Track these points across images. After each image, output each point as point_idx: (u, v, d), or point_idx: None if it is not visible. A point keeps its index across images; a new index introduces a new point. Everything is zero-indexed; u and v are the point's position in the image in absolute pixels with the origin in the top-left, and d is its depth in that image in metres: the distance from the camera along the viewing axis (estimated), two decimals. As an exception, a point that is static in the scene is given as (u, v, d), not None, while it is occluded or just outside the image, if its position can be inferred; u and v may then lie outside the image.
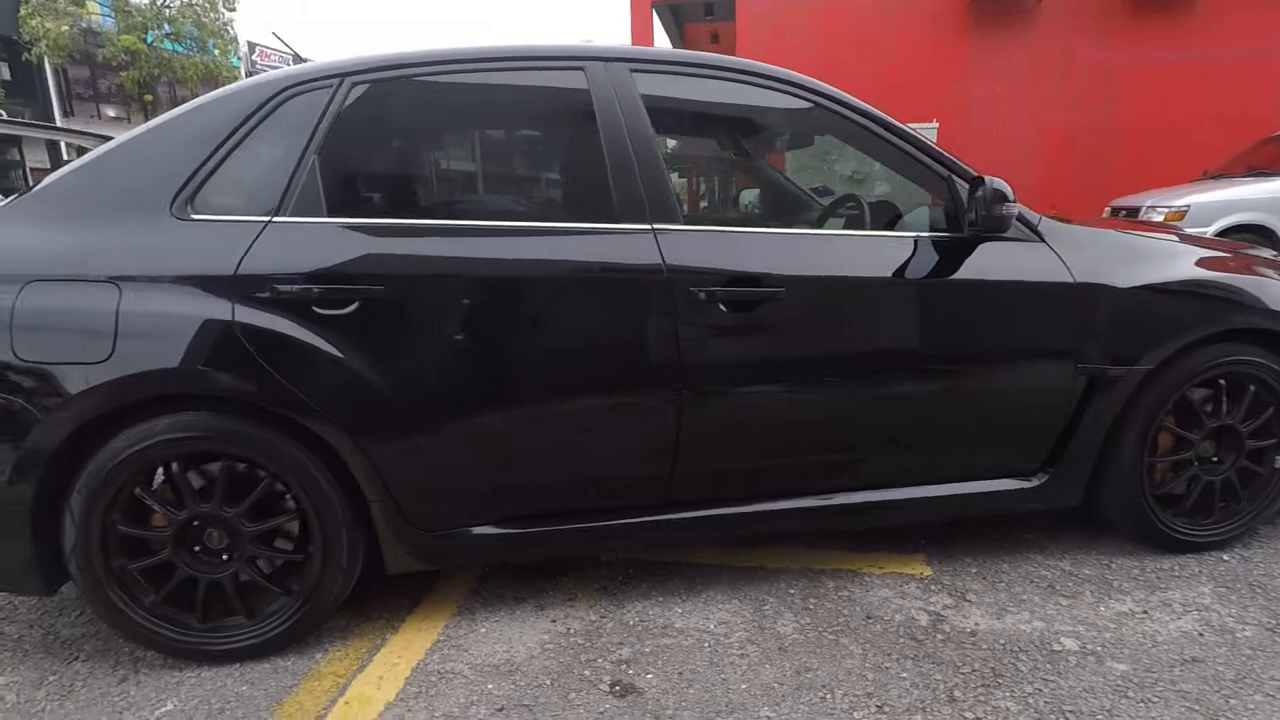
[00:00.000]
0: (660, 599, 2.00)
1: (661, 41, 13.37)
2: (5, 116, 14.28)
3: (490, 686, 1.66)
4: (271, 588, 1.74)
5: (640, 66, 1.86)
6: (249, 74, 31.11)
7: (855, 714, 1.53)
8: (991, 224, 1.79)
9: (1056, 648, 1.72)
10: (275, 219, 1.67)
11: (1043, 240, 1.95)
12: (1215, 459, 2.11)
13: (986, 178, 1.78)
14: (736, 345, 1.81)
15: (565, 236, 1.78)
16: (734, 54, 10.33)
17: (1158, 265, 2.01)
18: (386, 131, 1.78)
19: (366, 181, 1.75)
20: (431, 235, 1.73)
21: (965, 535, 2.26)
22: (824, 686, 1.62)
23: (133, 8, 19.17)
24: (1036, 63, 9.92)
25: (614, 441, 1.82)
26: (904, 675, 1.65)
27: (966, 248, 1.90)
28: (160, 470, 1.68)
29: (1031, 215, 1.97)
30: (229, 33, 20.97)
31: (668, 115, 1.92)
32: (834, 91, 1.94)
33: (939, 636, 1.78)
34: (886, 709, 1.54)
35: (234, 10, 21.00)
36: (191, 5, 19.86)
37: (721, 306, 1.77)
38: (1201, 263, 2.07)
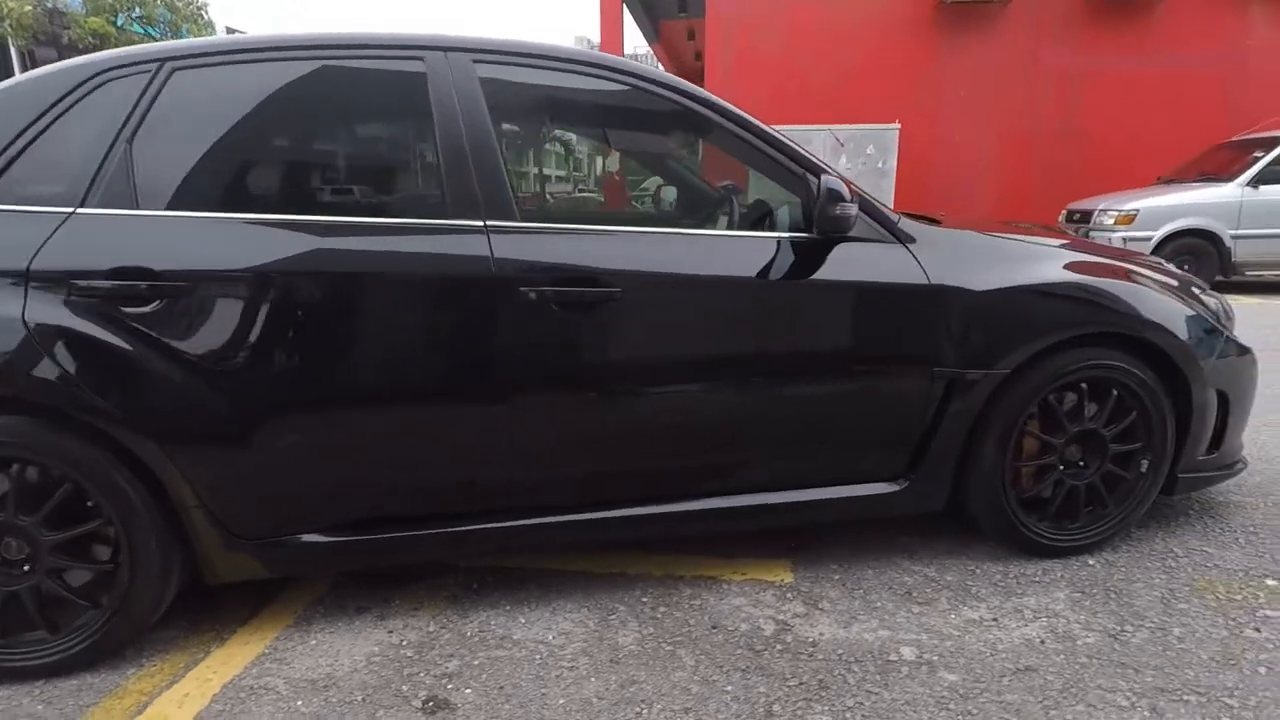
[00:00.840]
0: (508, 608, 1.93)
1: (634, 38, 13.32)
2: None
3: (300, 703, 1.59)
4: (77, 600, 1.66)
5: (484, 57, 1.79)
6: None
7: (672, 729, 1.48)
8: (826, 224, 1.73)
9: (893, 658, 1.68)
10: (79, 210, 1.58)
11: (900, 241, 1.90)
12: (1081, 463, 2.08)
13: (823, 176, 1.73)
14: (571, 347, 1.75)
15: (392, 234, 1.70)
16: (704, 52, 10.31)
17: (1019, 268, 1.97)
18: (208, 121, 1.70)
19: (183, 173, 1.67)
20: (246, 230, 1.65)
21: (837, 540, 2.21)
22: (644, 701, 1.56)
23: (102, -14, 18.80)
24: (1001, 66, 10.00)
25: (445, 447, 1.75)
26: (728, 689, 1.59)
27: (818, 249, 1.85)
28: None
29: (889, 216, 1.93)
30: (203, 17, 20.63)
31: (514, 109, 1.85)
32: (690, 88, 1.89)
33: (778, 647, 1.73)
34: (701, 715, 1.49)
35: (208, -6, 20.68)
36: (161, -13, 19.52)
37: (554, 307, 1.71)
38: (1070, 266, 2.03)
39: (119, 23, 19.00)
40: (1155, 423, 2.04)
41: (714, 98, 1.87)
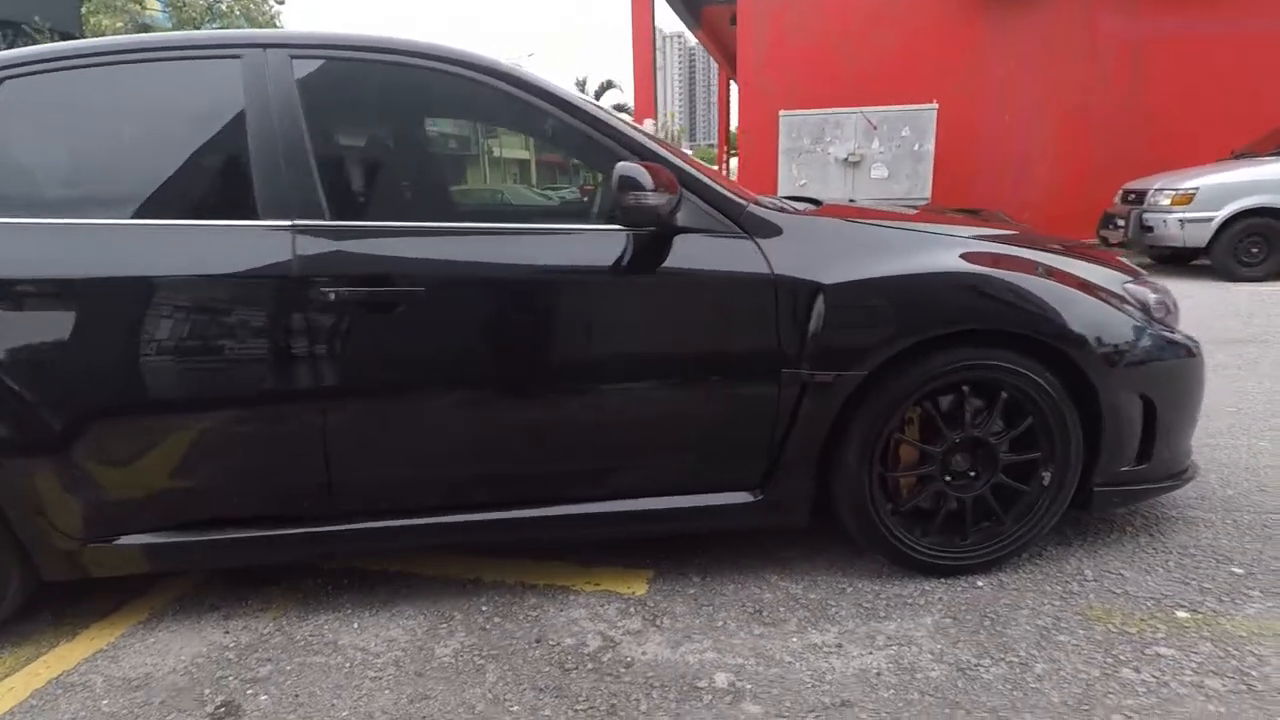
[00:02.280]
0: (350, 611, 1.91)
1: (671, 27, 13.13)
2: None
3: (105, 703, 1.61)
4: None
5: (301, 52, 1.76)
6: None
7: (427, 750, 1.42)
8: (624, 215, 1.61)
9: (701, 684, 1.55)
10: None
11: (746, 233, 1.76)
12: (973, 474, 1.88)
13: (619, 164, 1.60)
14: (376, 349, 1.70)
15: (197, 235, 1.70)
16: (736, 37, 10.05)
17: (886, 259, 1.79)
18: (34, 127, 1.74)
19: (11, 180, 1.72)
20: (54, 235, 1.68)
21: (711, 550, 2.08)
22: (425, 718, 1.51)
23: (187, 3, 20.10)
24: (1054, 39, 9.28)
25: (259, 450, 1.74)
26: (514, 709, 1.51)
27: (644, 243, 1.72)
28: None
29: (733, 205, 1.77)
30: (276, 25, 21.77)
31: (335, 104, 1.81)
32: (520, 75, 1.79)
33: (589, 666, 1.64)
34: (469, 746, 1.42)
35: (283, 3, 21.79)
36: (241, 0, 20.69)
37: (357, 308, 1.66)
38: (962, 256, 1.83)
39: None
40: (1056, 430, 1.82)
41: (534, 79, 1.77)
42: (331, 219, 1.69)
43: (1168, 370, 1.89)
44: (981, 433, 1.83)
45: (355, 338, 1.68)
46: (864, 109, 8.39)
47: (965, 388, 1.81)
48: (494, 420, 1.77)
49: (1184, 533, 2.09)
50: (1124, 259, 2.36)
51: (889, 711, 1.45)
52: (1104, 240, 7.51)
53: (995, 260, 1.83)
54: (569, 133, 1.77)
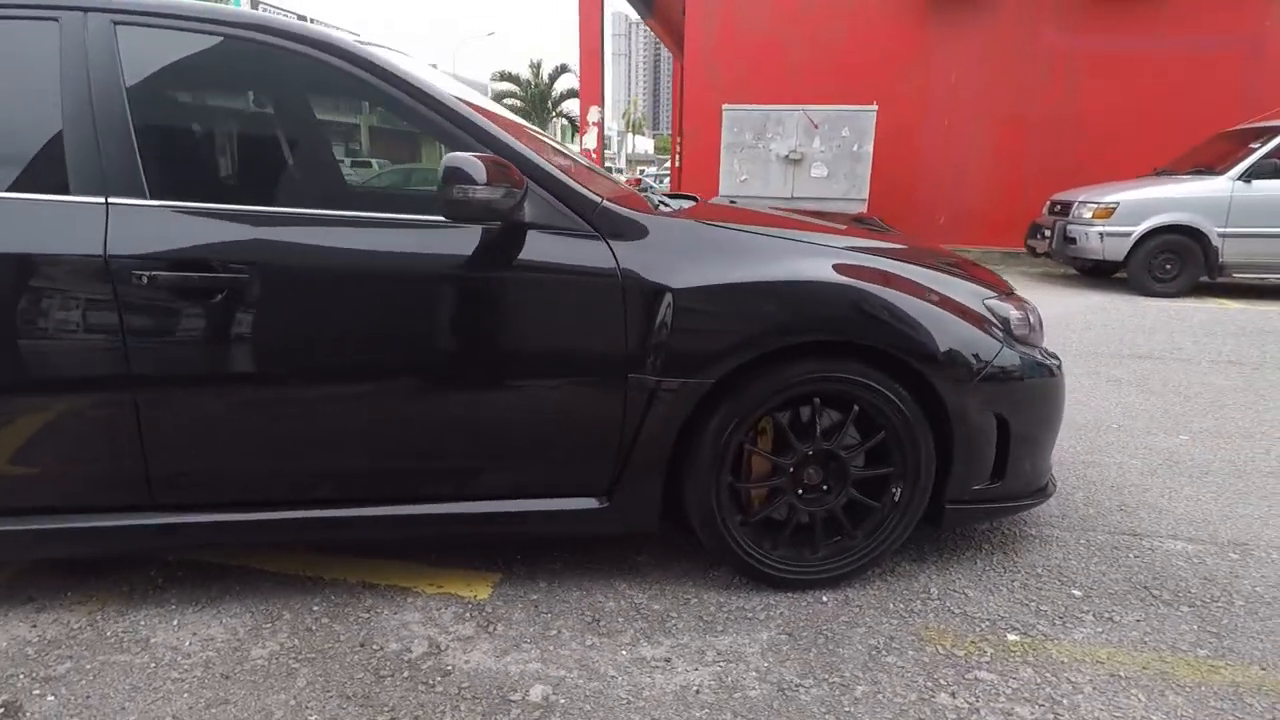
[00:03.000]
0: (174, 607, 1.81)
1: (624, 11, 12.92)
2: None
3: None
4: None
5: (128, 19, 1.62)
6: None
7: (207, 764, 1.34)
8: (449, 209, 1.53)
9: (514, 697, 1.50)
10: None
11: (599, 233, 1.69)
12: (825, 487, 1.86)
13: (448, 155, 1.51)
14: (191, 337, 1.59)
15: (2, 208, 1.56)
16: (672, 23, 9.92)
17: (738, 264, 1.74)
18: None
19: None
20: None
21: (568, 553, 2.04)
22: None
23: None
24: (996, 49, 9.41)
25: (66, 439, 1.62)
26: (313, 718, 1.44)
27: (497, 237, 1.64)
28: None
29: (586, 202, 1.70)
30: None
31: (163, 77, 1.68)
32: (362, 54, 1.66)
33: (406, 673, 1.57)
34: (254, 759, 1.35)
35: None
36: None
37: (171, 292, 1.55)
38: (816, 265, 1.79)
39: None
40: (908, 446, 1.81)
41: (378, 59, 1.66)
42: (152, 198, 1.57)
43: (1023, 389, 1.90)
44: (832, 446, 1.81)
45: (169, 325, 1.57)
46: (806, 107, 8.37)
47: (817, 400, 1.78)
48: (322, 417, 1.68)
49: (1037, 551, 2.12)
50: (993, 272, 2.38)
51: (696, 732, 1.42)
52: (1031, 250, 7.69)
53: (853, 271, 1.79)
54: (414, 119, 1.67)
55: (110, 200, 1.55)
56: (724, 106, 8.72)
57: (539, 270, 1.66)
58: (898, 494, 1.86)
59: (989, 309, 1.91)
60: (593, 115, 10.34)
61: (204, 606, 1.82)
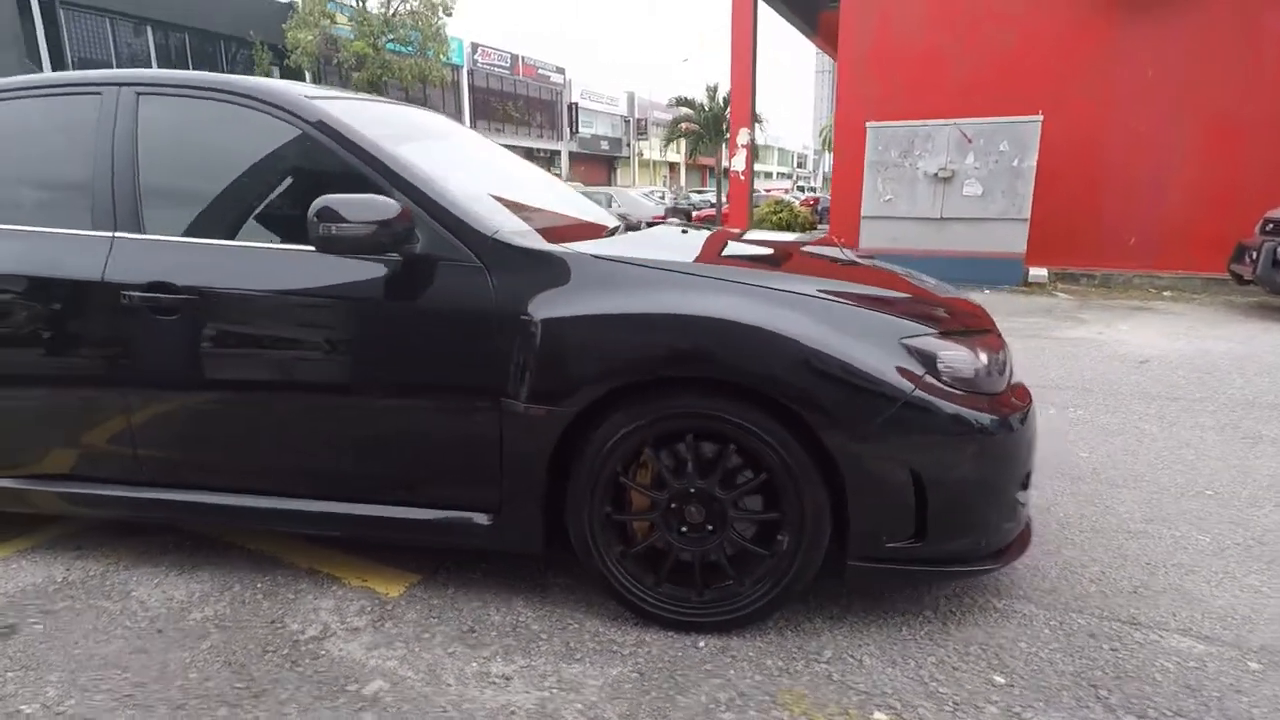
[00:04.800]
0: (165, 569, 2.18)
1: (774, 31, 12.70)
2: None
3: (-63, 609, 1.99)
4: None
5: (148, 90, 2.05)
6: (470, 73, 34.72)
7: (96, 700, 1.62)
8: (319, 244, 1.71)
9: (351, 688, 1.63)
10: None
11: (481, 262, 1.79)
12: (710, 528, 1.79)
13: (321, 197, 1.70)
14: (156, 346, 1.93)
15: (48, 240, 2.02)
16: (837, 40, 9.60)
17: (616, 296, 1.75)
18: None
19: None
20: None
21: (492, 565, 2.14)
22: (120, 668, 1.70)
23: (367, 17, 22.38)
24: (1206, 38, 7.98)
25: (73, 421, 2.05)
26: (191, 675, 1.68)
27: (397, 268, 1.81)
28: None
29: (473, 234, 1.80)
30: (442, 35, 23.62)
31: (162, 133, 2.05)
32: (303, 108, 1.93)
33: (285, 651, 1.77)
34: (138, 700, 1.60)
35: (450, 15, 23.62)
36: (414, 13, 22.67)
37: (148, 311, 1.90)
38: (707, 297, 1.74)
39: (389, 45, 22.40)
40: (792, 493, 1.70)
41: (315, 112, 1.92)
42: (145, 232, 1.96)
43: (944, 442, 1.69)
44: (707, 486, 1.74)
45: (142, 336, 1.93)
46: (959, 120, 7.71)
47: (691, 437, 1.73)
48: (252, 418, 1.96)
49: (986, 626, 1.85)
50: (974, 305, 2.13)
51: (483, 750, 1.46)
52: (1236, 276, 6.43)
53: (735, 305, 1.71)
54: (342, 163, 1.89)
55: (116, 234, 1.95)
56: (868, 124, 8.32)
57: (426, 298, 1.80)
58: (785, 542, 1.74)
59: (910, 349, 1.72)
60: (742, 138, 10.35)
61: (185, 571, 2.17)
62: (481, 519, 1.88)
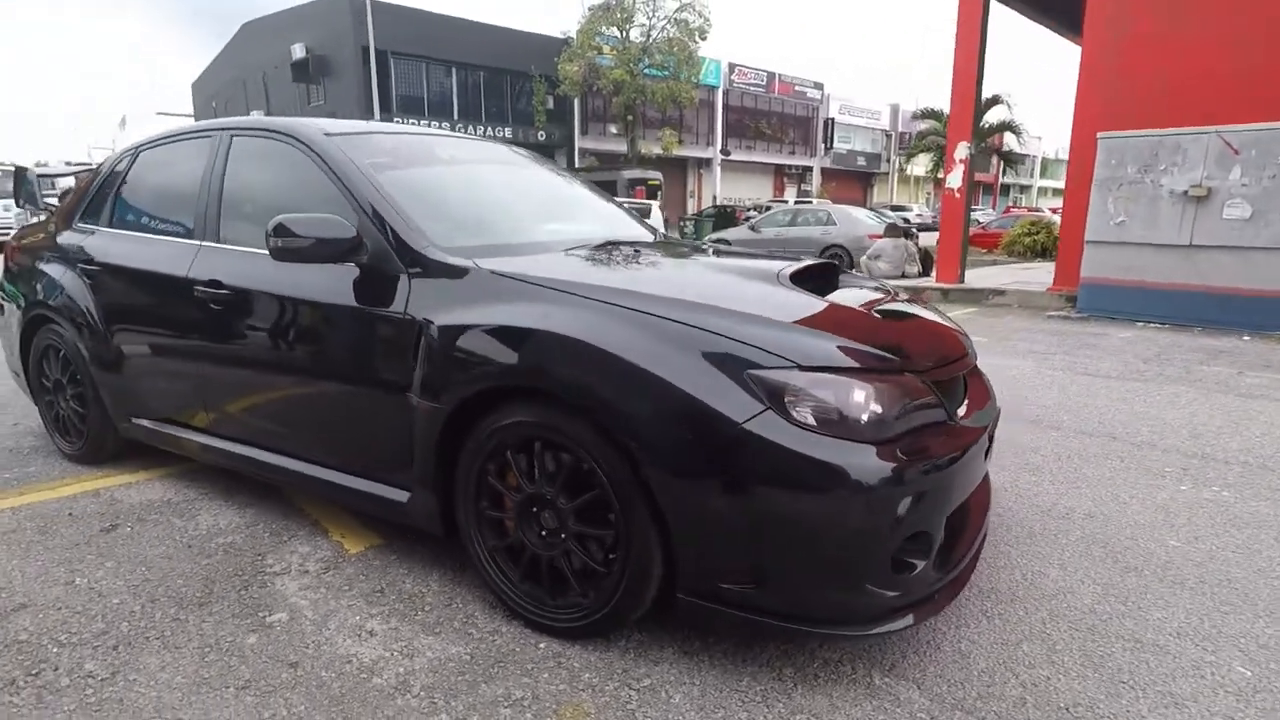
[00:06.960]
0: (223, 501, 2.79)
1: (1005, 30, 11.29)
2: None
3: (78, 505, 2.78)
4: None
5: (238, 133, 2.68)
6: (725, 92, 35.66)
7: (116, 584, 2.18)
8: (273, 253, 2.08)
9: (263, 615, 2.00)
10: None
11: (406, 271, 2.08)
12: (562, 535, 1.87)
13: (277, 216, 2.08)
14: (220, 328, 2.51)
15: (171, 245, 2.73)
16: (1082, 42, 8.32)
17: (487, 307, 1.91)
18: (151, 175, 3.01)
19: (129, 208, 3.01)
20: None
21: (436, 542, 2.41)
22: (146, 565, 2.27)
23: (631, 46, 24.29)
24: None
25: (175, 380, 2.73)
26: (146, 573, 2.18)
27: (358, 274, 2.16)
28: None
29: (405, 248, 2.09)
30: (695, 59, 24.79)
31: (238, 163, 2.65)
32: (308, 141, 2.41)
33: (242, 578, 2.20)
34: (138, 589, 2.14)
35: (705, 40, 24.71)
36: (670, 40, 24.10)
37: (211, 304, 2.50)
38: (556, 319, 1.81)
39: (646, 70, 24.14)
40: (619, 512, 1.71)
41: (316, 145, 2.38)
42: (222, 242, 2.58)
43: (787, 486, 1.56)
44: (550, 493, 1.82)
45: (213, 320, 2.52)
46: (1221, 128, 6.24)
47: (538, 445, 1.83)
48: (261, 385, 2.47)
49: (839, 699, 1.67)
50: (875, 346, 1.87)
51: (319, 681, 1.72)
52: None
53: (578, 322, 1.76)
54: (331, 186, 2.31)
55: (202, 244, 2.60)
56: (1099, 135, 7.14)
57: (369, 301, 2.12)
58: (615, 562, 1.75)
59: (756, 379, 1.61)
60: (960, 152, 9.43)
61: (240, 507, 2.75)
62: (400, 496, 2.15)
